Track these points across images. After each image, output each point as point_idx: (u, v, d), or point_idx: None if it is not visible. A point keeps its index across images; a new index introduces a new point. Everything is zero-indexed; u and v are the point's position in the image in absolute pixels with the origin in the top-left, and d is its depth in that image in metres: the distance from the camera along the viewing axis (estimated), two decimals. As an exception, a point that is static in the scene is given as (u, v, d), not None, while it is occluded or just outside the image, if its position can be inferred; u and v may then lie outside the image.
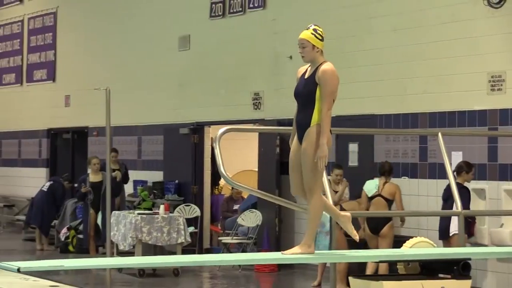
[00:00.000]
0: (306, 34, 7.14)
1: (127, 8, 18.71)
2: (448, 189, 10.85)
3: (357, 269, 11.56)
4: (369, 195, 11.88)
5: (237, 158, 16.60)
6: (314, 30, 7.14)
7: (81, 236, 16.20)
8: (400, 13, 13.08)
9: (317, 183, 7.02)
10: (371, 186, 11.95)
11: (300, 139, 7.08)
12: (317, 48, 7.09)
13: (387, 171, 11.97)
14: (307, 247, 7.09)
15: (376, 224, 11.69)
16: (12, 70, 22.80)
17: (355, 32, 13.73)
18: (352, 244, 11.79)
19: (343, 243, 11.51)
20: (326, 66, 7.03)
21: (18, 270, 6.09)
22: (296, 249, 7.13)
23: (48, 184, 17.30)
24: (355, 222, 11.96)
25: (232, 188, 15.53)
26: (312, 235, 7.13)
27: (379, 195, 11.82)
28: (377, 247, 11.44)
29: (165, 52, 17.55)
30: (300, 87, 7.14)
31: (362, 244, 11.84)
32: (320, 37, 7.12)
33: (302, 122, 7.08)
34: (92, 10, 20.05)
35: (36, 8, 21.94)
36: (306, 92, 7.05)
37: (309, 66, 7.16)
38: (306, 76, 7.12)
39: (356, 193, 12.61)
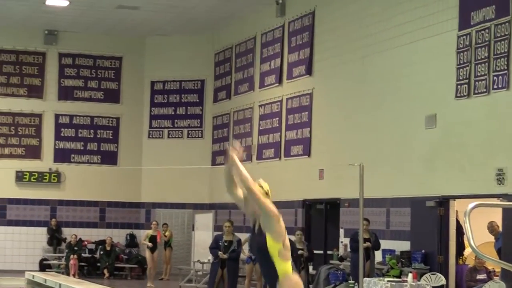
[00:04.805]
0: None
1: (378, 89, 19.31)
2: None
3: None
4: None
5: (481, 230, 16.57)
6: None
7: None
8: None
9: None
10: None
11: None
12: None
13: None
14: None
15: None
16: (272, 145, 23.68)
17: None
18: None
19: None
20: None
21: None
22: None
23: None
24: None
25: (476, 258, 15.96)
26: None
27: None
28: None
29: (412, 130, 18.05)
30: (252, 241, 7.20)
31: None
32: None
33: (267, 275, 7.06)
34: (345, 90, 20.65)
35: (294, 89, 22.73)
36: (259, 247, 7.03)
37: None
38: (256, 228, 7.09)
39: None
